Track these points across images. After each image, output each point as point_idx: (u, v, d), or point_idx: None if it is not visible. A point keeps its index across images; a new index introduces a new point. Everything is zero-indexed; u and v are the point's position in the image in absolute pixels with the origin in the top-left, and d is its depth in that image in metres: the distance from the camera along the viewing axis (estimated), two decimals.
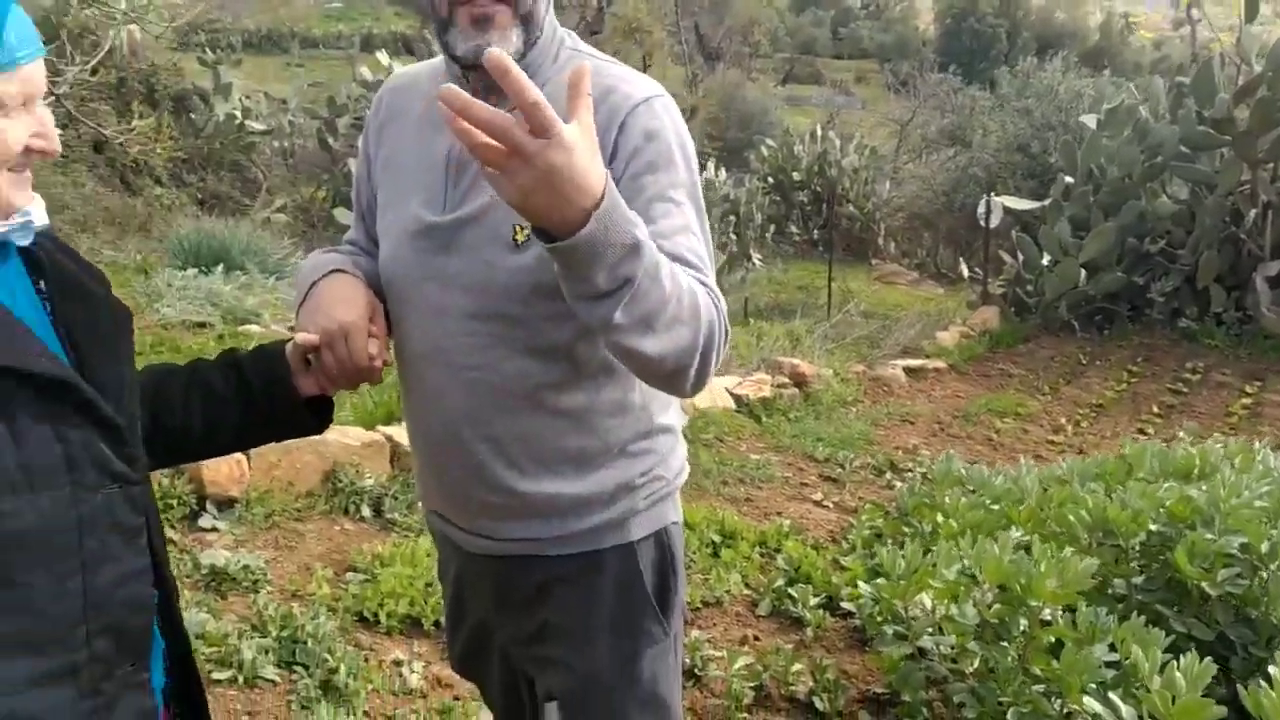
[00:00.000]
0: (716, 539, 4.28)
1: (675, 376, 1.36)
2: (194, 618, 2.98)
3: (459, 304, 1.51)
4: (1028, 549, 2.75)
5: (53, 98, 4.42)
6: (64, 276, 1.30)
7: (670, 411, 1.69)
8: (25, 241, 1.22)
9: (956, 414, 7.26)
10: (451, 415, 1.57)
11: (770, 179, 21.31)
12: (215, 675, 2.83)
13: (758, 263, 18.05)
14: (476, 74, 1.46)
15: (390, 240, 1.61)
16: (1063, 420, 7.16)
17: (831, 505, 5.23)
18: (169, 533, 3.60)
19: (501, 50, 1.11)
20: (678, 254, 1.40)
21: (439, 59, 1.63)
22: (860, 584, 3.16)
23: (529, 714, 1.79)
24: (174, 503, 3.69)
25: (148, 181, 12.01)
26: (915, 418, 7.12)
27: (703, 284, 1.39)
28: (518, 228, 1.46)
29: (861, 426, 6.65)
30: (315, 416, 1.60)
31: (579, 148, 1.14)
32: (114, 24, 8.86)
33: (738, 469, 5.55)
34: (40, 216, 1.22)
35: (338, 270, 1.58)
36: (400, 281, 1.58)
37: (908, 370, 8.11)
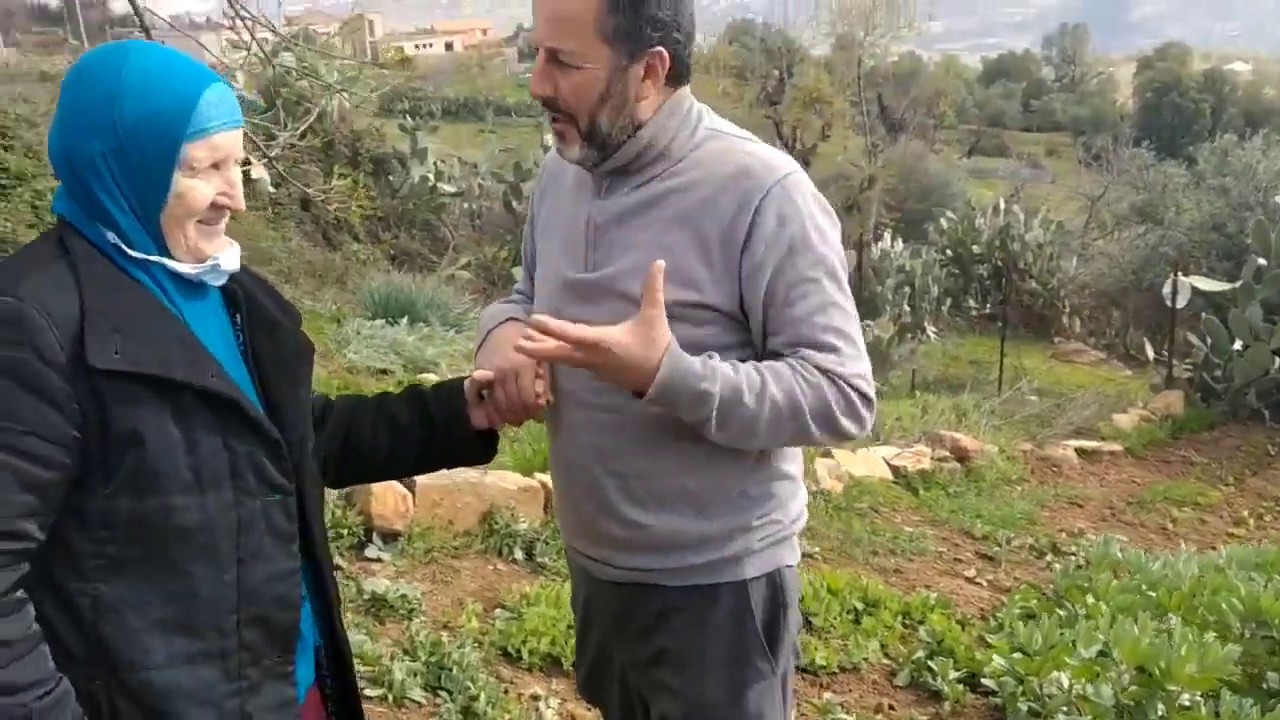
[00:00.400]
0: (859, 606, 4.26)
1: (805, 444, 1.71)
2: (352, 638, 3.20)
3: None
4: (1171, 633, 2.68)
5: (265, 159, 4.91)
6: (258, 312, 1.52)
7: (789, 459, 1.80)
8: (218, 283, 1.44)
9: (1130, 500, 6.95)
10: (585, 451, 1.74)
11: (949, 251, 20.97)
12: (367, 692, 3.04)
13: (932, 336, 17.73)
14: (594, 168, 1.69)
15: (542, 291, 1.82)
16: (1245, 513, 6.75)
17: (985, 583, 5.11)
18: (337, 559, 3.88)
19: (541, 317, 1.53)
20: (811, 337, 1.60)
21: None
22: (996, 657, 3.12)
23: None
24: (344, 532, 3.97)
25: (347, 238, 12.88)
26: (1084, 501, 6.86)
27: (823, 373, 1.59)
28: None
29: (1025, 506, 6.46)
30: (484, 447, 1.80)
31: (627, 346, 1.52)
32: (326, 93, 9.61)
33: (890, 540, 5.50)
34: (230, 261, 1.43)
35: (513, 319, 1.80)
36: None
37: (1080, 451, 7.82)
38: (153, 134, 1.31)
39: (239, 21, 4.85)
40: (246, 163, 7.30)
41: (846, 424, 1.61)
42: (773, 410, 1.56)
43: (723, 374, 1.56)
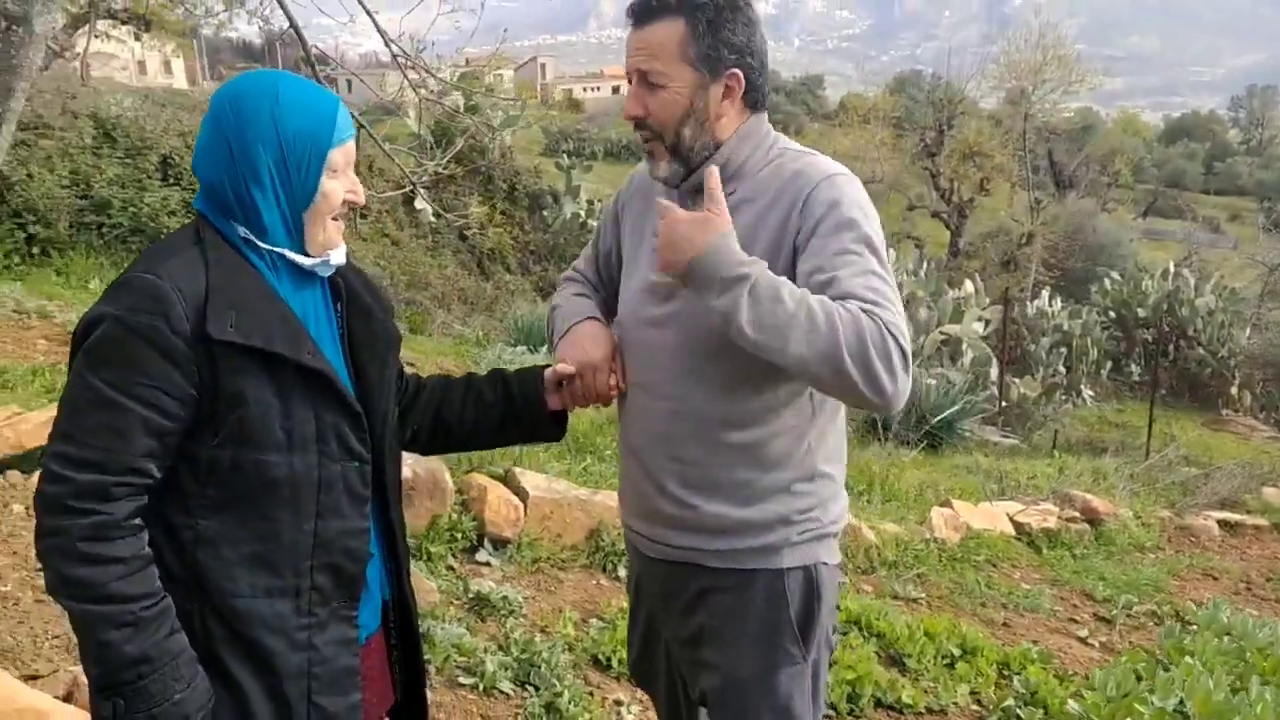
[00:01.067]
0: (955, 651, 4.25)
1: (838, 381, 1.62)
2: (451, 631, 3.44)
3: (670, 341, 1.88)
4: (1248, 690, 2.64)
5: (411, 184, 5.32)
6: (355, 302, 1.76)
7: (834, 462, 1.95)
8: (326, 274, 1.68)
9: (1270, 575, 6.63)
10: (649, 435, 1.94)
11: (1111, 313, 20.28)
12: (461, 680, 3.26)
13: (1089, 399, 17.13)
14: (677, 188, 1.90)
15: (627, 291, 2.04)
16: None
17: (1097, 644, 4.99)
18: (451, 561, 4.13)
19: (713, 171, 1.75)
20: (851, 290, 1.68)
21: None
22: (1071, 702, 3.11)
23: (686, 716, 2.08)
24: (458, 535, 4.22)
25: (500, 268, 13.44)
26: (1220, 574, 6.58)
27: (863, 310, 1.64)
28: None
29: (1155, 573, 6.25)
30: (556, 427, 2.05)
31: (687, 222, 1.72)
32: (490, 131, 10.14)
33: (1004, 594, 5.43)
34: (339, 257, 1.67)
35: (591, 318, 2.03)
36: (629, 321, 2.00)
37: (1222, 523, 7.49)
38: (308, 144, 1.57)
39: (414, 64, 5.29)
40: (409, 193, 7.80)
41: (879, 365, 1.59)
42: (810, 319, 1.60)
43: (765, 270, 1.67)
